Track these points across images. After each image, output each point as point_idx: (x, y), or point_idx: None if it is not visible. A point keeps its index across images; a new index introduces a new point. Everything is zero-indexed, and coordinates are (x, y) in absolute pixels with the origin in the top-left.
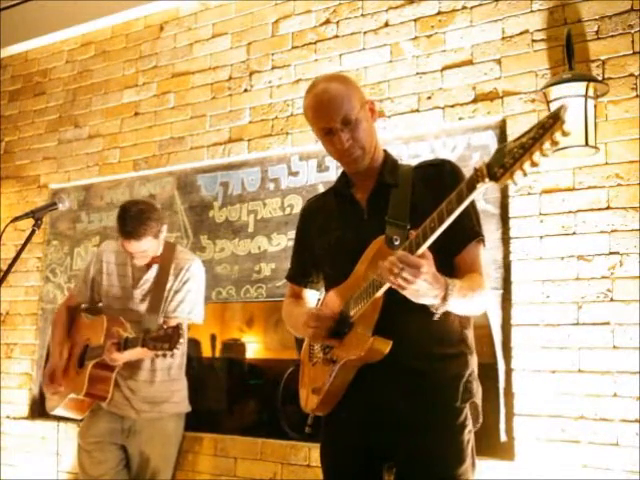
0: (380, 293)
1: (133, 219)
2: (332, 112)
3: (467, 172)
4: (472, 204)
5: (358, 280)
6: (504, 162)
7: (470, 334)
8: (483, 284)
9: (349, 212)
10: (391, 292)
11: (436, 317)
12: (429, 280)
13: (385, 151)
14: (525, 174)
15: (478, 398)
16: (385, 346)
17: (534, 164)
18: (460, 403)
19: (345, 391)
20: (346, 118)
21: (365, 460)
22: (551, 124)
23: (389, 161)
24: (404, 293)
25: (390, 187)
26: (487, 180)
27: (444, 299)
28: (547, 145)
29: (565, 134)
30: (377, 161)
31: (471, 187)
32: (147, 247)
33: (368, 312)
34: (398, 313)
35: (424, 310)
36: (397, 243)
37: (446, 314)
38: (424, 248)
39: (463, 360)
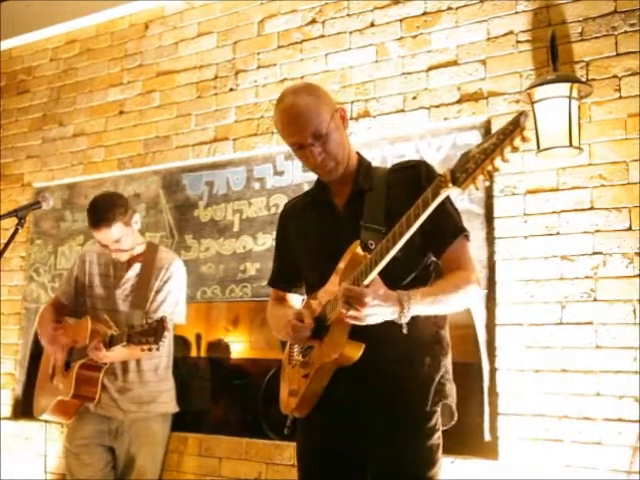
0: None
1: (100, 207)
2: (302, 128)
3: None
4: (450, 203)
5: (334, 285)
6: (467, 167)
7: (446, 334)
8: (465, 281)
9: (327, 218)
10: None
11: (404, 328)
12: (378, 304)
13: (358, 154)
14: (488, 179)
15: (451, 398)
16: (356, 350)
17: (495, 169)
18: (430, 407)
19: (322, 393)
20: (316, 133)
21: (337, 463)
22: (511, 130)
23: (363, 165)
24: (359, 323)
25: (366, 192)
26: (450, 185)
27: (401, 313)
28: (508, 150)
29: (525, 140)
30: (352, 166)
31: (435, 194)
32: (119, 235)
33: (344, 316)
34: None
35: None
36: (372, 247)
37: (418, 316)
38: (374, 274)
39: (436, 363)
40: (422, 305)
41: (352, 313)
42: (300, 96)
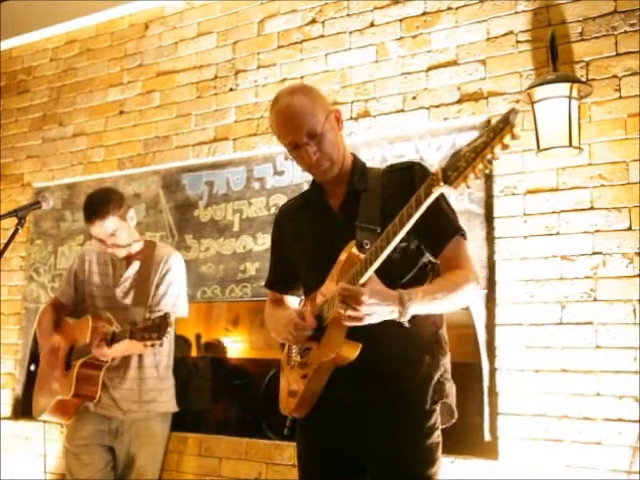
0: None
1: (94, 202)
2: (297, 127)
3: None
4: (446, 203)
5: (331, 285)
6: (458, 166)
7: (444, 333)
8: (463, 279)
9: (323, 218)
10: None
11: (406, 324)
12: (376, 302)
13: (353, 155)
14: (478, 177)
15: (451, 397)
16: (353, 350)
17: (486, 167)
18: (429, 406)
19: (321, 393)
20: (311, 132)
21: (337, 462)
22: (501, 128)
23: (358, 166)
24: (358, 323)
25: (361, 192)
26: (442, 184)
27: (402, 312)
28: (498, 148)
29: (515, 137)
30: (346, 167)
31: (428, 192)
32: (113, 228)
33: (341, 316)
34: None
35: None
36: (367, 247)
37: (417, 315)
38: (370, 273)
39: (435, 362)
40: (422, 304)
41: (350, 313)
42: (295, 97)
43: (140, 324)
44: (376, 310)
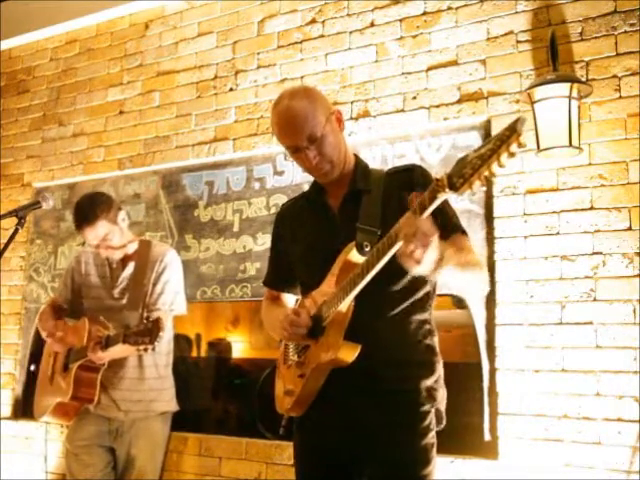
0: (351, 297)
1: (81, 208)
2: (297, 131)
3: None
4: (448, 205)
5: (330, 285)
6: (463, 173)
7: (437, 341)
8: (480, 261)
9: (322, 219)
10: (362, 298)
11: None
12: (434, 247)
13: (356, 156)
14: (484, 184)
15: (442, 404)
16: (352, 351)
17: (492, 174)
18: (425, 407)
19: (318, 393)
20: (311, 136)
21: (334, 461)
22: (508, 136)
23: (360, 167)
24: (416, 267)
25: (362, 193)
26: (447, 190)
27: (439, 264)
28: (504, 156)
29: (521, 146)
30: (348, 168)
31: (432, 197)
32: (104, 232)
33: (340, 317)
34: (369, 319)
35: (394, 317)
36: (367, 249)
37: (413, 320)
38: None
39: (430, 366)
40: (453, 265)
41: (418, 256)
42: (295, 99)
43: (133, 328)
44: (431, 255)
